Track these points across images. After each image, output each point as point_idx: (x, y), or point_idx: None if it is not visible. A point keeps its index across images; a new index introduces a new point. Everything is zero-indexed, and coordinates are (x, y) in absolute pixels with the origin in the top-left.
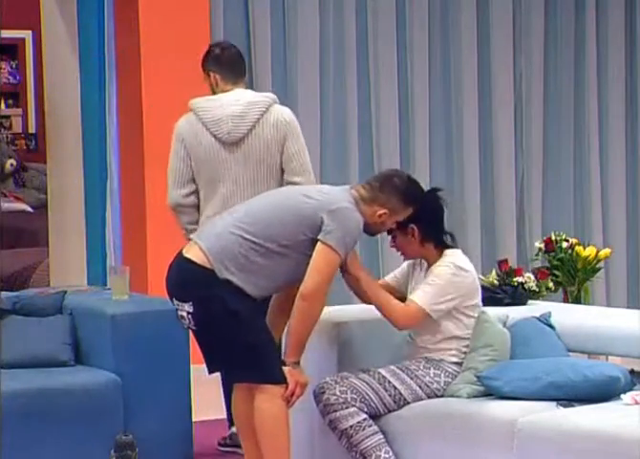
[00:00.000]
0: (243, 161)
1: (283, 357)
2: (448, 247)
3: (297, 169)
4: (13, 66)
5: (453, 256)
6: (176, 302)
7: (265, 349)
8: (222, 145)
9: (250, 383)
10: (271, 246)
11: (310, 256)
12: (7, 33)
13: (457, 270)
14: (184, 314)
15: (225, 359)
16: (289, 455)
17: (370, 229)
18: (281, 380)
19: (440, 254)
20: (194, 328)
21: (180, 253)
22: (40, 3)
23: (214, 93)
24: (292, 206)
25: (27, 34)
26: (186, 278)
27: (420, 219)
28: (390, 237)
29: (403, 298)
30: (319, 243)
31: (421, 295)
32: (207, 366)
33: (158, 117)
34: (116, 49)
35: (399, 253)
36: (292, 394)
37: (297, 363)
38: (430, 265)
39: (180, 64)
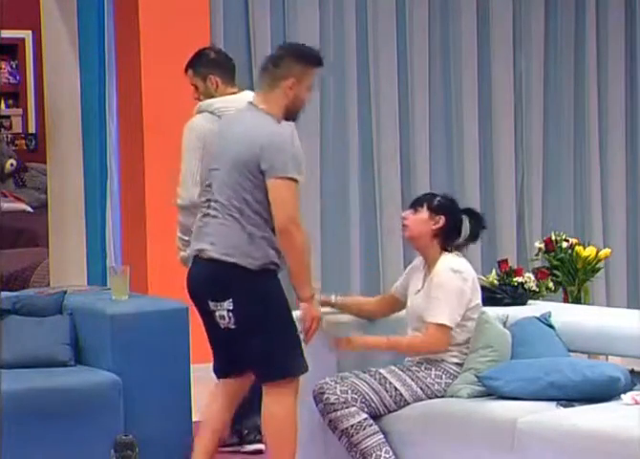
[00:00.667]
0: None
1: (297, 297)
2: (449, 251)
3: None
4: (13, 66)
5: (450, 260)
6: (210, 304)
7: (297, 341)
8: None
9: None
10: (246, 210)
11: None
12: (7, 33)
13: (457, 275)
14: (224, 313)
15: (257, 357)
16: (295, 454)
17: (292, 112)
18: (300, 372)
19: (439, 253)
20: (233, 327)
21: (195, 256)
22: (40, 3)
23: (211, 96)
24: (228, 164)
25: (27, 34)
26: (216, 277)
27: (453, 223)
28: (408, 211)
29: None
30: (269, 181)
31: (438, 314)
32: (221, 370)
33: (158, 117)
34: (116, 49)
35: (401, 227)
36: (309, 329)
37: (312, 297)
38: (428, 263)
39: (180, 64)
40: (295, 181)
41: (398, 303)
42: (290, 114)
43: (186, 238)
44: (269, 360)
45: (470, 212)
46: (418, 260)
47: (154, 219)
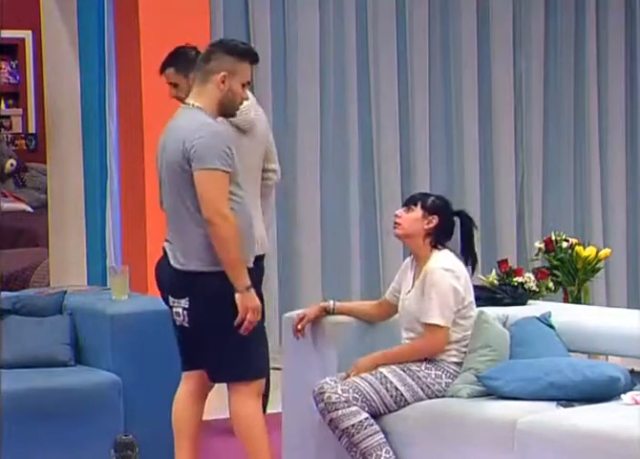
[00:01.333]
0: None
1: (234, 286)
2: (440, 249)
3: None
4: (13, 66)
5: (441, 258)
6: (171, 299)
7: (259, 343)
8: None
9: (230, 382)
10: (194, 210)
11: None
12: (7, 33)
13: (449, 273)
14: (180, 310)
15: (214, 358)
16: (269, 452)
17: (228, 107)
18: (262, 373)
19: (430, 252)
20: (187, 325)
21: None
22: (40, 3)
23: (186, 96)
24: (167, 169)
25: (27, 34)
26: (173, 277)
27: (445, 223)
28: (402, 209)
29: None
30: (195, 173)
31: (433, 315)
32: (183, 365)
33: (158, 116)
34: (116, 49)
35: (393, 224)
36: (243, 321)
37: (248, 288)
38: (418, 262)
39: None
40: (221, 171)
41: (393, 308)
42: (226, 109)
43: None
44: (220, 361)
45: (462, 215)
46: (407, 261)
47: (154, 219)
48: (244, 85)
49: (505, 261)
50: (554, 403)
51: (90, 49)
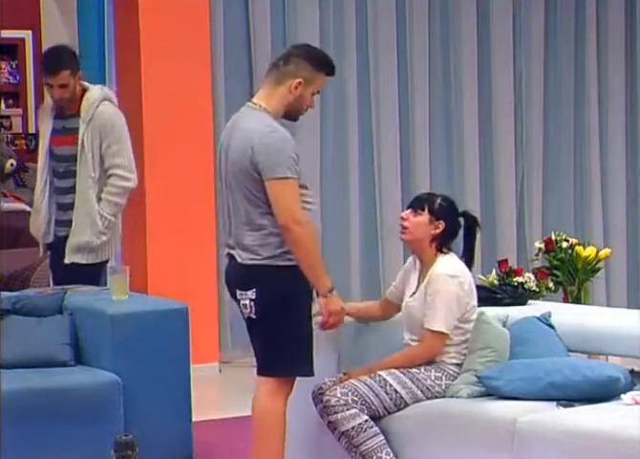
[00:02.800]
0: None
1: (314, 294)
2: (445, 252)
3: None
4: (13, 66)
5: (446, 264)
6: (238, 291)
7: (309, 342)
8: None
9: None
10: (265, 209)
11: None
12: (7, 33)
13: (453, 280)
14: (247, 302)
15: (270, 351)
16: (283, 452)
17: (292, 112)
18: (300, 373)
19: (435, 255)
20: (254, 316)
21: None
22: (40, 3)
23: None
24: (235, 173)
25: (27, 34)
26: (244, 273)
27: (451, 227)
28: (408, 212)
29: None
30: (267, 182)
31: (434, 321)
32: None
33: (158, 116)
34: (116, 49)
35: (400, 227)
36: (325, 322)
37: (331, 290)
38: (422, 263)
39: (180, 64)
40: (291, 179)
41: (394, 307)
42: (291, 114)
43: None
44: (274, 354)
45: (467, 215)
46: (411, 261)
47: (154, 219)
48: (313, 94)
49: (505, 261)
50: (554, 403)
51: (90, 49)
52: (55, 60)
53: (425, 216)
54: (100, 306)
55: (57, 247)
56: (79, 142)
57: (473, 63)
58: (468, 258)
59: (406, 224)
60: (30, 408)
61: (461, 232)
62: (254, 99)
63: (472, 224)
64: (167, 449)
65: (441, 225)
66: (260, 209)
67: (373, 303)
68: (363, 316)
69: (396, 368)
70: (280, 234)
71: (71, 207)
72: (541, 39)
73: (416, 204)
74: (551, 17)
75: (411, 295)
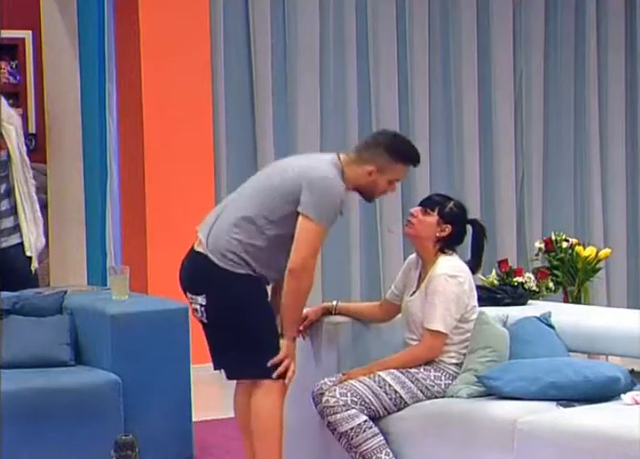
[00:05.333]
0: None
1: (280, 331)
2: (446, 253)
3: None
4: (13, 66)
5: (446, 264)
6: (189, 296)
7: (271, 345)
8: None
9: (250, 379)
10: (261, 223)
11: None
12: (7, 33)
13: (453, 280)
14: (197, 306)
15: (230, 355)
16: (281, 451)
17: (365, 193)
18: (279, 375)
19: (436, 255)
20: (205, 321)
21: (191, 248)
22: (40, 3)
23: None
24: (275, 181)
25: (27, 34)
26: (198, 272)
27: (458, 233)
28: (418, 209)
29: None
30: (300, 216)
31: (433, 321)
32: (213, 362)
33: (158, 116)
34: (116, 49)
35: (407, 221)
36: (281, 362)
37: (294, 339)
38: (423, 261)
39: (180, 64)
40: (322, 228)
41: (395, 308)
42: (362, 194)
43: None
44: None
45: (475, 224)
46: (411, 260)
47: (154, 219)
48: (391, 181)
49: (505, 261)
50: (554, 403)
51: (90, 49)
52: None
53: (434, 217)
54: (100, 306)
55: None
56: (10, 144)
57: (473, 62)
58: (474, 265)
59: (414, 220)
60: (30, 408)
61: (468, 240)
62: (340, 154)
63: (480, 232)
64: (167, 449)
65: (448, 229)
66: (261, 226)
67: (373, 304)
68: (359, 317)
69: (396, 368)
70: (250, 252)
71: (7, 213)
72: (541, 39)
73: (428, 203)
74: (551, 17)
75: (411, 294)
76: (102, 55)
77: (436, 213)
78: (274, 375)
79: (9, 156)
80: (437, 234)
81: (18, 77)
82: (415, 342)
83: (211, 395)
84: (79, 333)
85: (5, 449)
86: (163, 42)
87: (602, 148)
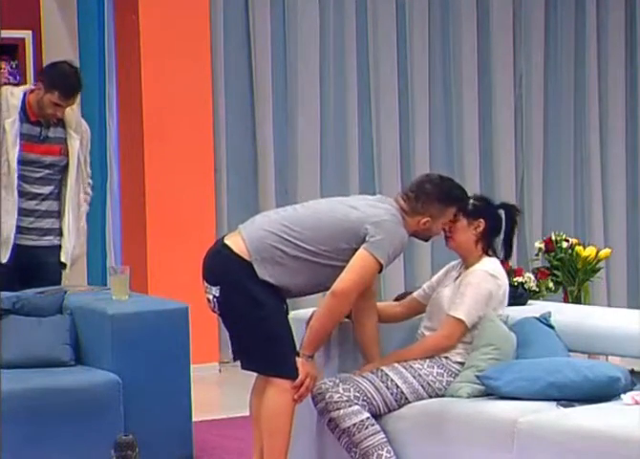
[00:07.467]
0: None
1: (298, 348)
2: (490, 255)
3: None
4: (13, 66)
5: (489, 264)
6: (205, 284)
7: (282, 343)
8: None
9: (262, 374)
10: (312, 249)
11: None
12: (7, 33)
13: (492, 279)
14: (210, 297)
15: (243, 347)
16: (287, 450)
17: (421, 237)
18: (293, 375)
19: (480, 258)
20: (217, 312)
21: (220, 239)
22: (40, 3)
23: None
24: (338, 214)
25: (27, 34)
26: (220, 263)
27: (492, 223)
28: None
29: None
30: (362, 249)
31: (458, 309)
32: (232, 353)
33: (158, 117)
34: (116, 49)
35: (444, 237)
36: (301, 384)
37: (311, 357)
38: (467, 265)
39: (180, 64)
40: (379, 266)
41: (421, 307)
42: (418, 237)
43: None
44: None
45: (506, 206)
46: (453, 263)
47: (154, 219)
48: (444, 223)
49: (506, 261)
50: (554, 403)
51: (90, 49)
52: (78, 83)
53: (462, 220)
54: (100, 306)
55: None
56: (70, 151)
57: (473, 63)
58: (507, 247)
59: (448, 233)
60: (30, 408)
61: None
62: (394, 203)
63: (512, 214)
64: (167, 449)
65: (481, 223)
66: (306, 252)
67: (389, 303)
68: (384, 317)
69: (414, 359)
70: (284, 265)
71: (47, 214)
72: (541, 38)
73: None
74: (551, 17)
75: (445, 286)
76: (102, 55)
77: (461, 215)
78: (295, 396)
79: (67, 163)
80: (474, 232)
81: (18, 77)
82: (430, 333)
83: (211, 395)
84: (79, 333)
85: (5, 449)
86: (163, 42)
87: (602, 148)
